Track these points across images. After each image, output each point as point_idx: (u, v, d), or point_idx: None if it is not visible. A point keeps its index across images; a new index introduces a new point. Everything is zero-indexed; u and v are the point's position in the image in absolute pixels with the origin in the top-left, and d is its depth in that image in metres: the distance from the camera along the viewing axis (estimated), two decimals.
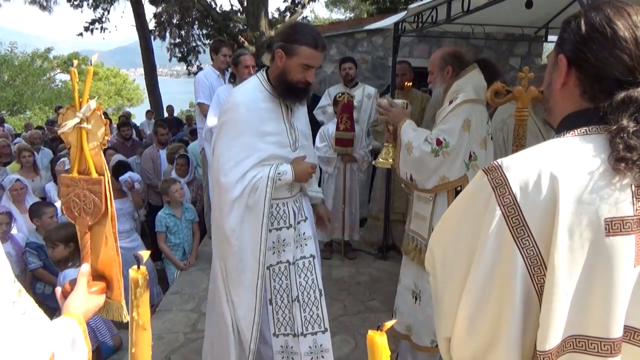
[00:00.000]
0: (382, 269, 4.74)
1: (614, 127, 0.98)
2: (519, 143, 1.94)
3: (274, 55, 2.23)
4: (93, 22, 14.55)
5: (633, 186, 0.96)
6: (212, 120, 4.05)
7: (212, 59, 4.86)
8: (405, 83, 4.53)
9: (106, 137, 1.11)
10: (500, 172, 1.02)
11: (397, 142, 2.75)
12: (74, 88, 1.09)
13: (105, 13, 14.85)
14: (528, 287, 0.99)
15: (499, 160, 1.05)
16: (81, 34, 14.57)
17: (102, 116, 1.11)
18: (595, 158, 0.98)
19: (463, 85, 2.66)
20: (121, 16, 15.48)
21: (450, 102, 2.66)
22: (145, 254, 0.90)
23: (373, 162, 3.23)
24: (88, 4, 14.49)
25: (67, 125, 1.08)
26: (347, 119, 4.58)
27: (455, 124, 2.57)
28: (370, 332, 1.02)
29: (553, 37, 5.21)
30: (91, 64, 1.12)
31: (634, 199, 0.96)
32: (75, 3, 14.46)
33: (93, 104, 1.09)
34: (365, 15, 20.68)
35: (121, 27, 15.18)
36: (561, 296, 0.96)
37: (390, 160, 2.83)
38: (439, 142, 2.57)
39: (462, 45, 8.04)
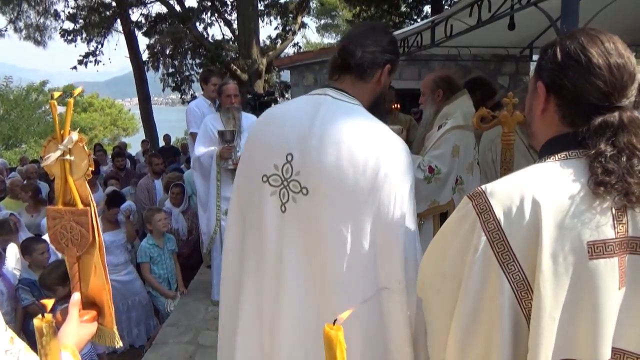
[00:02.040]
0: None
1: (593, 152, 1.00)
2: (506, 167, 1.98)
3: (372, 73, 1.51)
4: (87, 55, 14.74)
5: (613, 209, 0.98)
6: (199, 149, 4.07)
7: (203, 89, 4.91)
8: (393, 106, 4.60)
9: (90, 168, 1.12)
10: (484, 198, 1.03)
11: None
12: (55, 121, 1.11)
13: (99, 46, 15.06)
14: (516, 311, 1.00)
15: (484, 186, 1.06)
16: (75, 68, 14.75)
17: (85, 147, 1.12)
18: (576, 182, 0.99)
19: (452, 111, 2.72)
20: (114, 48, 15.71)
21: (439, 127, 2.72)
22: (49, 302, 0.89)
23: None
24: (81, 39, 14.71)
25: (50, 158, 1.10)
26: None
27: (445, 150, 2.63)
28: (326, 326, 1.01)
29: (537, 56, 5.31)
30: (71, 96, 1.13)
31: (615, 221, 0.98)
32: (69, 38, 14.67)
33: (75, 136, 1.10)
34: None
35: (116, 58, 15.41)
36: (548, 321, 0.96)
37: None
38: (431, 170, 2.62)
39: (451, 66, 8.17)
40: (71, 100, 1.11)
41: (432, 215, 2.69)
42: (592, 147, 1.00)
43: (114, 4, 14.94)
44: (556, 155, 1.05)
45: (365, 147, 1.38)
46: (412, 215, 1.44)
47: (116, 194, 4.91)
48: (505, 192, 1.02)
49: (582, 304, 0.97)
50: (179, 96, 15.54)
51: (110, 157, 9.66)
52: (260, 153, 1.50)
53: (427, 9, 14.71)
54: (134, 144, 20.34)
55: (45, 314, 0.78)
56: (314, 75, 8.90)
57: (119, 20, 15.12)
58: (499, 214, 1.00)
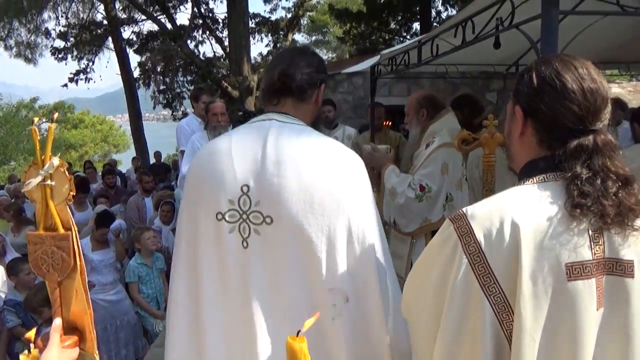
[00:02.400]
0: None
1: (569, 175, 1.02)
2: (488, 187, 2.01)
3: (312, 94, 1.52)
4: (78, 73, 14.76)
5: (590, 231, 1.00)
6: (186, 168, 4.06)
7: (193, 107, 4.94)
8: (385, 123, 4.65)
9: (71, 193, 1.13)
10: (465, 221, 1.05)
11: (380, 186, 2.82)
12: (36, 146, 1.12)
13: (90, 64, 15.10)
14: (498, 333, 1.01)
15: (465, 209, 1.08)
16: (66, 85, 14.76)
17: (66, 172, 1.13)
18: (553, 205, 1.01)
19: (438, 129, 2.77)
20: (106, 66, 15.76)
21: (427, 145, 2.76)
22: (32, 334, 0.88)
23: None
24: (72, 57, 14.74)
25: (31, 184, 1.10)
26: None
27: (435, 168, 2.67)
28: (289, 338, 1.01)
29: None
30: (52, 122, 1.14)
31: (592, 243, 1.00)
32: (60, 56, 14.69)
33: (56, 161, 1.11)
34: (347, 55, 21.29)
35: (107, 75, 15.43)
36: (529, 342, 0.97)
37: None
38: (422, 188, 2.67)
39: (440, 83, 8.29)
40: (52, 126, 1.12)
41: (424, 233, 2.71)
42: (568, 169, 1.02)
43: (105, 22, 15.04)
44: (534, 178, 1.07)
45: (326, 166, 1.38)
46: (378, 234, 1.44)
47: (106, 214, 4.88)
48: (486, 215, 1.04)
49: (561, 325, 0.98)
50: (171, 112, 15.57)
51: (100, 174, 9.62)
52: (210, 190, 1.40)
53: (417, 25, 14.95)
54: (125, 161, 20.27)
55: (32, 350, 0.78)
56: None
57: (110, 38, 15.20)
58: (480, 236, 1.02)
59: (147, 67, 13.51)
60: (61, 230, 1.14)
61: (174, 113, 15.30)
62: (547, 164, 1.07)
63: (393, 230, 2.86)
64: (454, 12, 14.03)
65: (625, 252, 1.01)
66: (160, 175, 8.91)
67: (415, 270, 1.19)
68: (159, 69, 13.55)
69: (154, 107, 15.25)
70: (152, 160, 12.78)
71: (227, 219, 1.38)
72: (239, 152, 1.40)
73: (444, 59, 3.37)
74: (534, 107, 1.09)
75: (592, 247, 0.99)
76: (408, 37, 14.91)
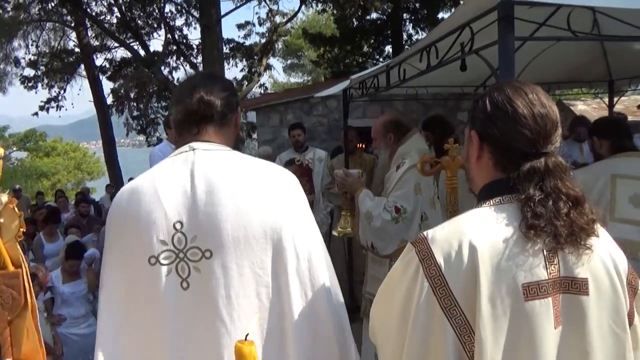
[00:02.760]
0: (352, 331, 4.65)
1: (523, 197, 1.05)
2: (452, 209, 2.05)
3: (231, 117, 1.49)
4: (48, 101, 14.55)
5: (544, 251, 1.03)
6: None
7: (167, 133, 4.91)
8: (358, 146, 4.70)
9: (21, 229, 1.11)
10: (426, 245, 1.07)
11: (355, 210, 2.84)
12: None
13: (61, 91, 14.91)
14: (460, 354, 1.02)
15: (425, 233, 1.11)
16: (36, 114, 14.52)
17: (15, 209, 1.11)
18: (509, 226, 1.04)
19: (407, 150, 2.82)
20: (78, 93, 15.58)
21: (397, 167, 2.81)
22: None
23: (333, 232, 3.31)
24: (42, 85, 14.53)
25: None
26: (306, 182, 4.65)
27: (408, 189, 2.71)
28: (237, 342, 0.99)
29: None
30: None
31: (547, 262, 1.03)
32: (30, 84, 14.47)
33: (4, 197, 1.10)
34: (323, 78, 21.57)
35: (80, 101, 15.25)
36: None
37: (349, 228, 2.93)
38: (397, 210, 2.69)
39: (412, 105, 8.45)
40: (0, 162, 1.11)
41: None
42: (522, 192, 1.06)
43: (77, 49, 14.94)
44: (491, 200, 1.11)
45: (262, 188, 1.32)
46: (322, 250, 1.38)
47: (76, 245, 4.76)
48: (445, 238, 1.06)
49: (521, 345, 1.00)
50: (145, 138, 15.43)
51: (73, 203, 9.42)
52: (138, 234, 1.28)
53: (389, 48, 15.30)
54: (99, 188, 19.88)
55: None
56: (279, 115, 9.05)
57: (82, 65, 15.08)
58: (440, 259, 1.04)
59: (120, 94, 13.41)
60: (11, 268, 1.12)
61: (149, 139, 15.16)
62: (502, 186, 1.10)
63: (370, 253, 2.87)
64: (424, 34, 14.43)
65: (579, 270, 1.04)
66: None
67: (380, 294, 1.20)
68: (132, 96, 13.47)
69: (127, 134, 15.07)
70: None
71: (161, 261, 1.27)
72: (165, 188, 1.30)
73: (413, 81, 3.46)
74: (489, 132, 1.13)
75: (547, 266, 1.02)
76: (381, 59, 15.23)
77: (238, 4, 13.69)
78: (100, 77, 14.99)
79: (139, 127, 14.91)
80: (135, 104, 14.61)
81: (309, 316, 1.30)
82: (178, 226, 1.27)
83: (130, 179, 10.60)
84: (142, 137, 16.33)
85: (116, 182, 14.63)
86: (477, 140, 1.17)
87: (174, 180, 1.31)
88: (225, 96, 1.42)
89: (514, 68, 1.75)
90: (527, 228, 1.02)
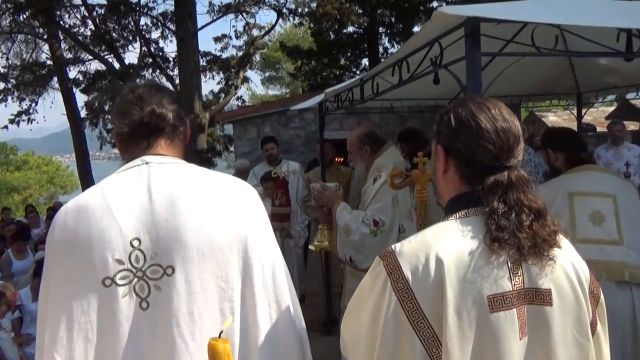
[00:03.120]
0: (329, 345, 4.62)
1: (487, 210, 1.07)
2: (421, 222, 2.07)
3: (182, 130, 1.45)
4: (19, 114, 14.19)
5: (509, 262, 1.04)
6: None
7: None
8: (336, 159, 4.72)
9: None
10: (393, 258, 1.08)
11: (332, 224, 2.84)
12: None
13: (33, 104, 14.58)
14: None
15: (393, 246, 1.12)
16: (6, 127, 14.16)
17: None
18: (474, 239, 1.06)
19: (384, 162, 2.84)
20: (50, 106, 15.26)
21: (374, 180, 2.82)
22: None
23: (310, 246, 3.29)
24: (12, 98, 14.16)
25: None
26: (282, 194, 4.64)
27: (386, 202, 2.72)
28: (211, 339, 0.97)
29: None
30: None
31: (511, 274, 1.04)
32: None
33: None
34: (300, 90, 21.65)
35: (53, 114, 14.95)
36: None
37: (326, 242, 2.92)
38: (375, 223, 2.70)
39: (389, 117, 8.55)
40: None
41: None
42: (486, 204, 1.08)
43: (49, 62, 14.67)
44: (457, 213, 1.13)
45: (222, 200, 1.29)
46: (281, 260, 1.36)
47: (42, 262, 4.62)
48: (412, 252, 1.07)
49: (486, 356, 1.02)
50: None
51: (44, 218, 9.18)
52: (89, 256, 1.19)
53: (365, 61, 15.49)
54: None
55: None
56: (256, 128, 9.04)
57: (55, 78, 14.80)
58: (407, 273, 1.05)
59: (94, 107, 13.19)
60: None
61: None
62: (468, 199, 1.12)
63: (349, 267, 2.87)
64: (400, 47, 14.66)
65: (542, 281, 1.06)
66: None
67: (350, 308, 1.21)
68: (107, 108, 13.27)
69: (101, 148, 14.80)
70: None
71: (117, 282, 1.19)
72: (118, 204, 1.22)
73: (388, 94, 3.51)
74: (454, 146, 1.16)
75: (512, 278, 1.04)
76: (358, 72, 15.39)
77: (215, 17, 13.69)
78: (74, 89, 14.72)
79: (114, 141, 14.66)
80: (109, 117, 14.37)
81: (273, 329, 1.28)
82: (135, 243, 1.21)
83: None
84: (116, 150, 16.03)
85: None
86: (442, 154, 1.19)
87: (129, 195, 1.24)
88: (176, 108, 1.39)
89: (481, 82, 1.79)
90: (491, 240, 1.04)
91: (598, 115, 11.02)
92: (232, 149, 13.29)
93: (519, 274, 1.05)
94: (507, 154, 1.11)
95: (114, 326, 1.19)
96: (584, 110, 5.19)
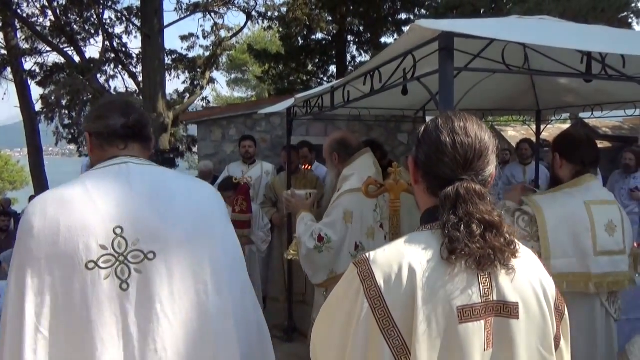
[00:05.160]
0: (289, 352, 4.59)
1: (440, 222, 1.09)
2: (394, 232, 2.08)
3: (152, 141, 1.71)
4: None
5: (479, 275, 1.06)
6: None
7: None
8: (303, 167, 4.68)
9: None
10: (367, 266, 1.08)
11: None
12: None
13: None
14: None
15: (368, 254, 1.12)
16: None
17: None
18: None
19: (350, 173, 2.75)
20: (2, 98, 14.52)
21: (338, 190, 2.75)
22: None
23: (285, 255, 3.22)
24: None
25: None
26: (242, 200, 4.55)
27: (336, 217, 2.61)
28: None
29: (429, 118, 5.81)
30: None
31: (480, 286, 1.06)
32: None
33: None
34: (267, 94, 21.54)
35: (4, 106, 14.23)
36: None
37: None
38: (320, 239, 2.57)
39: (355, 125, 8.63)
40: None
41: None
42: (440, 217, 1.10)
43: (3, 51, 13.99)
44: (428, 225, 1.15)
45: (197, 197, 1.50)
46: (240, 257, 1.56)
47: None
48: (386, 260, 1.08)
49: None
50: (77, 148, 14.63)
51: None
52: (73, 241, 1.32)
53: (333, 68, 15.59)
54: (23, 199, 18.53)
55: None
56: (221, 130, 8.90)
57: (9, 69, 14.12)
58: (380, 281, 1.05)
59: (50, 101, 12.65)
60: None
61: (80, 149, 14.37)
62: (435, 212, 1.13)
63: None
64: (367, 57, 14.86)
65: (510, 295, 1.08)
66: None
67: (323, 313, 1.21)
68: (64, 103, 12.75)
69: (57, 143, 14.22)
70: None
71: (100, 265, 1.33)
72: (100, 196, 1.37)
73: (357, 103, 3.53)
74: (419, 157, 1.19)
75: (481, 290, 1.06)
76: (325, 79, 15.47)
77: (182, 16, 13.46)
78: (29, 81, 14.10)
79: (70, 137, 14.10)
80: (66, 112, 13.83)
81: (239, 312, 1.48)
82: (118, 231, 1.35)
83: None
84: (72, 147, 15.47)
85: (41, 192, 13.68)
86: (412, 164, 1.22)
87: (110, 188, 1.39)
88: (149, 121, 1.61)
89: (452, 95, 1.82)
90: (448, 252, 1.05)
91: (554, 131, 11.50)
92: (195, 150, 13.06)
93: (488, 287, 1.07)
94: (462, 167, 1.12)
95: (96, 305, 1.32)
96: (542, 126, 5.40)
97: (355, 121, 8.09)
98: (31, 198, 12.18)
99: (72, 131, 13.99)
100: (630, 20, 9.31)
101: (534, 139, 5.77)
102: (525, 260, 1.13)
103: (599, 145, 2.56)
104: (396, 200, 2.13)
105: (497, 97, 4.90)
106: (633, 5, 8.84)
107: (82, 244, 1.32)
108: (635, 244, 3.82)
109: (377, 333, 1.03)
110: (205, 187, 1.58)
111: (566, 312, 1.19)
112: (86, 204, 1.35)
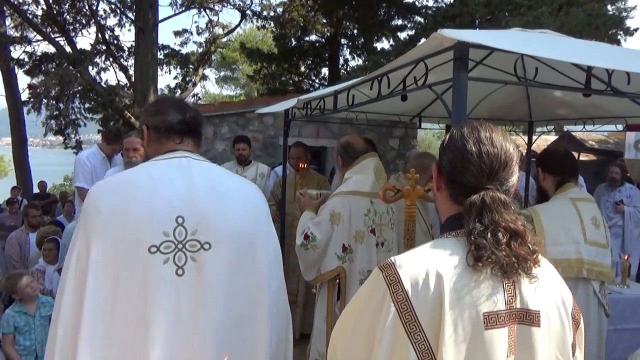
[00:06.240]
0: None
1: (466, 230, 1.11)
2: (408, 237, 2.11)
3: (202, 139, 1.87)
4: None
5: (504, 283, 1.09)
6: None
7: (102, 144, 4.55)
8: (300, 165, 4.69)
9: None
10: (393, 270, 1.10)
11: None
12: None
13: None
14: None
15: (393, 259, 1.13)
16: None
17: None
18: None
19: (349, 176, 2.81)
20: None
21: None
22: None
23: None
24: None
25: None
26: None
27: (323, 217, 2.68)
28: None
29: (425, 124, 5.86)
30: None
31: (505, 293, 1.08)
32: None
33: None
34: (255, 93, 21.45)
35: None
36: None
37: None
38: (306, 237, 2.64)
39: (347, 128, 8.67)
40: None
41: (323, 282, 2.73)
42: (465, 225, 1.12)
43: None
44: (452, 232, 1.16)
45: (249, 196, 1.63)
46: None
47: None
48: (413, 265, 1.09)
49: None
50: (63, 140, 14.36)
51: None
52: (139, 225, 1.43)
53: (325, 70, 15.63)
54: (2, 189, 18.14)
55: None
56: (213, 127, 8.86)
57: None
58: (407, 285, 1.07)
59: (39, 91, 12.41)
60: None
61: (66, 141, 14.12)
62: (459, 219, 1.15)
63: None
64: (360, 61, 14.93)
65: (532, 303, 1.10)
66: (44, 208, 8.10)
67: (344, 318, 1.21)
68: (52, 94, 12.52)
69: (45, 134, 13.97)
70: (35, 190, 11.61)
71: (162, 250, 1.44)
72: (166, 185, 1.48)
73: (357, 107, 3.55)
74: (443, 164, 1.20)
75: (506, 297, 1.08)
76: (317, 81, 15.50)
77: (177, 11, 13.35)
78: (16, 70, 13.82)
79: (57, 128, 13.84)
80: (54, 103, 13.58)
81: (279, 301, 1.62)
82: (180, 220, 1.46)
83: (41, 181, 9.74)
84: (54, 138, 15.19)
85: (24, 184, 13.42)
86: (436, 171, 1.24)
87: (174, 179, 1.50)
88: (204, 121, 1.75)
89: (465, 104, 1.85)
90: (474, 260, 1.07)
91: (540, 142, 11.69)
92: None
93: (513, 295, 1.09)
94: (488, 177, 1.14)
95: (154, 287, 1.42)
96: (533, 138, 5.48)
97: (347, 124, 8.12)
98: (13, 189, 11.93)
99: (60, 122, 13.75)
100: (619, 37, 9.54)
101: (523, 149, 5.86)
102: (545, 270, 1.16)
103: (585, 158, 3.09)
104: (412, 206, 2.15)
105: (490, 107, 4.95)
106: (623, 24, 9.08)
107: (147, 229, 1.43)
108: (625, 257, 3.94)
109: (404, 337, 1.04)
110: (252, 187, 1.70)
111: (582, 322, 1.22)
112: (152, 192, 1.46)
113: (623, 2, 9.76)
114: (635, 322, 3.47)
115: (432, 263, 1.08)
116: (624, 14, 9.62)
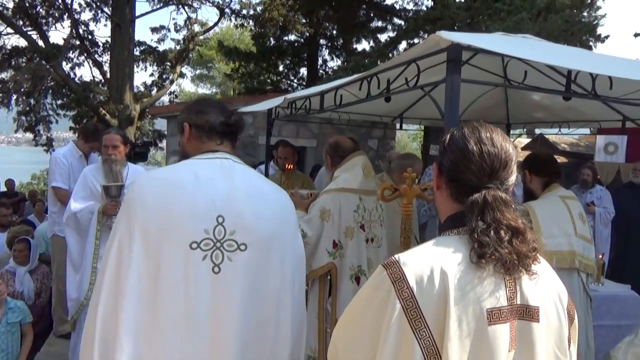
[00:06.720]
0: None
1: (468, 228, 1.14)
2: (405, 235, 2.14)
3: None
4: None
5: (506, 279, 1.11)
6: (76, 204, 3.56)
7: (79, 142, 4.43)
8: (286, 166, 4.67)
9: None
10: (398, 267, 1.11)
11: None
12: None
13: None
14: None
15: (397, 256, 1.15)
16: None
17: None
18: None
19: (338, 175, 2.85)
20: None
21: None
22: None
23: None
24: None
25: None
26: None
27: (314, 214, 2.71)
28: None
29: (406, 126, 5.93)
30: None
31: (507, 290, 1.11)
32: None
33: None
34: (232, 92, 21.26)
35: None
36: None
37: None
38: None
39: (327, 128, 8.70)
40: None
41: (315, 279, 2.74)
42: (467, 224, 1.14)
43: None
44: (454, 230, 1.18)
45: (282, 200, 1.70)
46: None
47: None
48: (417, 263, 1.11)
49: None
50: (33, 137, 13.93)
51: None
52: (182, 221, 1.49)
53: (304, 70, 15.62)
54: None
55: None
56: None
57: None
58: (412, 282, 1.08)
59: (9, 86, 12.00)
60: None
61: (37, 138, 13.71)
62: (460, 218, 1.18)
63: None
64: (339, 62, 14.98)
65: (532, 298, 1.14)
66: (13, 206, 7.86)
67: (347, 315, 1.22)
68: (23, 89, 12.12)
69: (16, 131, 13.52)
70: (2, 189, 11.24)
71: (202, 247, 1.49)
72: (209, 185, 1.54)
73: (341, 107, 3.57)
74: (443, 163, 1.23)
75: (507, 293, 1.11)
76: (295, 80, 15.47)
77: (155, 7, 13.14)
78: None
79: (27, 124, 13.42)
80: (24, 98, 13.16)
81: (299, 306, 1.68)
82: (220, 220, 1.51)
83: (8, 179, 9.39)
84: (21, 135, 14.74)
85: None
86: (436, 170, 1.26)
87: (216, 179, 1.56)
88: (244, 126, 1.80)
89: (458, 105, 1.89)
90: (477, 257, 1.09)
91: (515, 144, 11.97)
92: (162, 145, 12.75)
93: (513, 290, 1.12)
94: (489, 176, 1.17)
95: (193, 282, 1.47)
96: (511, 139, 5.62)
97: (327, 124, 8.15)
98: None
99: (30, 119, 13.33)
100: (590, 44, 9.86)
101: None
102: (542, 267, 1.20)
103: (558, 161, 3.33)
104: (408, 205, 2.19)
105: (469, 109, 5.06)
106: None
107: (190, 225, 1.48)
108: (600, 255, 4.07)
109: (409, 333, 1.06)
110: (283, 192, 1.76)
111: (576, 317, 1.26)
112: (196, 190, 1.51)
113: (595, 10, 10.11)
114: (610, 319, 3.60)
115: (436, 260, 1.10)
116: (595, 21, 9.96)
